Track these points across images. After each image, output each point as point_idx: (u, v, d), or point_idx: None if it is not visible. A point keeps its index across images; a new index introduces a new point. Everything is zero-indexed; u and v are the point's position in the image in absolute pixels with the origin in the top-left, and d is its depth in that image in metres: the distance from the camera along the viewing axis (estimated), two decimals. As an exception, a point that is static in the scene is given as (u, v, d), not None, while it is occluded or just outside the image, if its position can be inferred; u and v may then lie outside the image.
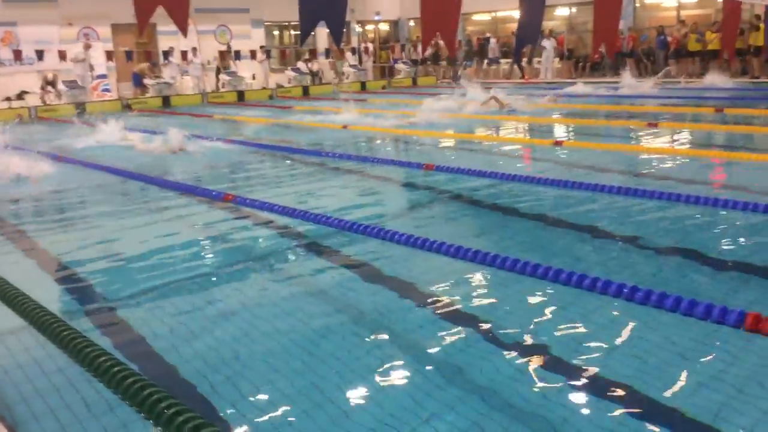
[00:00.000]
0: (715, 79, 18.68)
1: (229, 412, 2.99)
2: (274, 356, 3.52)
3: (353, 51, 28.90)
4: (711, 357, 3.36)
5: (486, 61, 28.30)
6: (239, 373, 3.35)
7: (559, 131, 12.12)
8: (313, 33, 27.42)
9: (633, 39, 24.10)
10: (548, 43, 25.37)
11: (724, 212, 5.88)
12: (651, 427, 2.76)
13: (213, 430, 2.44)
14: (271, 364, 3.44)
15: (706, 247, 5.04)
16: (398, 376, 3.29)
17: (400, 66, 28.20)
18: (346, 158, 9.60)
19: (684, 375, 3.18)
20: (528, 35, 22.73)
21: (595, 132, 11.46)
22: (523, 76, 25.92)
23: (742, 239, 5.27)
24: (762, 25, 20.16)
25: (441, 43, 25.29)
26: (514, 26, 28.37)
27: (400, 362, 3.42)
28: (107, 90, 23.36)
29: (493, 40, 28.04)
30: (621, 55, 24.31)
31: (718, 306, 3.66)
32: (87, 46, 22.13)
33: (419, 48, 28.48)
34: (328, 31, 28.14)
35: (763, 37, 20.22)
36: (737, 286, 4.30)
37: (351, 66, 27.44)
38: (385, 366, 3.36)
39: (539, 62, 26.53)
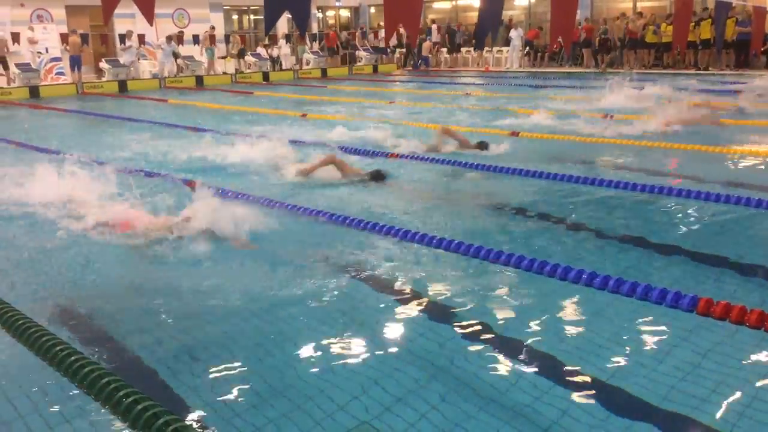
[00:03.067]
0: None
1: (186, 396, 2.97)
2: (231, 338, 3.51)
3: (314, 37, 28.69)
4: (667, 338, 3.46)
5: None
6: (197, 357, 3.34)
7: None
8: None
9: (588, 30, 24.38)
10: (515, 34, 25.57)
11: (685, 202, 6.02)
12: (600, 405, 2.85)
13: (172, 419, 2.43)
14: (227, 346, 3.43)
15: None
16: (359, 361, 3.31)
17: (361, 53, 28.10)
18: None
19: (637, 356, 3.27)
20: (488, 24, 22.81)
21: None
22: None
23: (694, 228, 5.41)
24: (709, 19, 20.64)
25: (402, 31, 25.32)
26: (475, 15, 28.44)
27: (360, 347, 3.45)
28: (61, 73, 22.79)
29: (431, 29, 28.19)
30: (577, 46, 24.62)
31: (672, 291, 3.78)
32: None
33: (380, 35, 28.46)
34: (288, 16, 27.91)
35: (710, 30, 20.71)
36: (690, 273, 4.42)
37: (312, 52, 27.24)
38: (346, 350, 3.38)
39: (498, 51, 26.74)
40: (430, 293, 4.12)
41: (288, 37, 27.45)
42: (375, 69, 27.04)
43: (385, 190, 6.83)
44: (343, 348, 3.43)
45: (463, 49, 28.00)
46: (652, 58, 22.91)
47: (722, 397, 2.91)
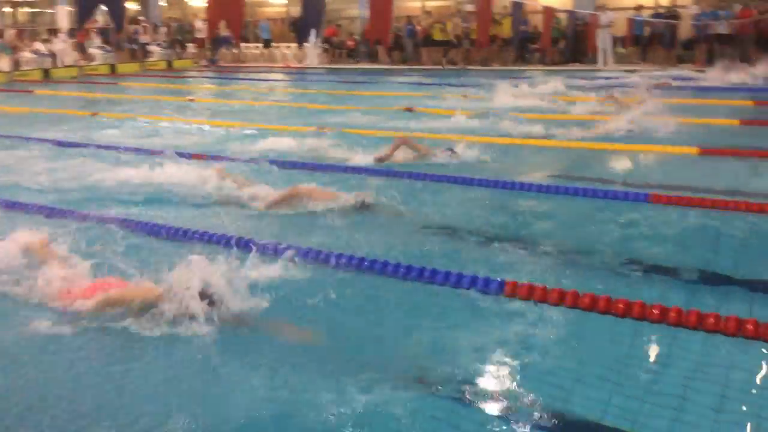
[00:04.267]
0: None
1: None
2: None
3: (100, 31, 26.87)
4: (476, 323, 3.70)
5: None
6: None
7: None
8: (53, 11, 25.08)
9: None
10: (314, 31, 25.72)
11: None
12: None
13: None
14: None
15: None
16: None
17: (153, 48, 26.81)
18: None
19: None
20: (312, 19, 23.55)
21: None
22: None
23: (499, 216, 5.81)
24: (497, 18, 22.43)
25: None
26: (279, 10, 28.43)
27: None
28: None
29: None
30: (374, 43, 25.43)
31: (482, 277, 4.05)
32: None
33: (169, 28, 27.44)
34: (68, 9, 25.91)
35: (510, 29, 22.53)
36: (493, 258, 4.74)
37: (98, 47, 25.51)
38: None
39: (298, 47, 26.82)
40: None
41: (71, 32, 25.47)
42: (169, 65, 25.96)
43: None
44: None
45: (275, 44, 27.73)
46: (441, 55, 24.23)
47: (519, 369, 3.20)
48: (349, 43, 26.44)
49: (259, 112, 12.74)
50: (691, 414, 2.80)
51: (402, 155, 7.58)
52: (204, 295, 3.50)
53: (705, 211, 5.58)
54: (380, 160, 7.43)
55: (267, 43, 27.88)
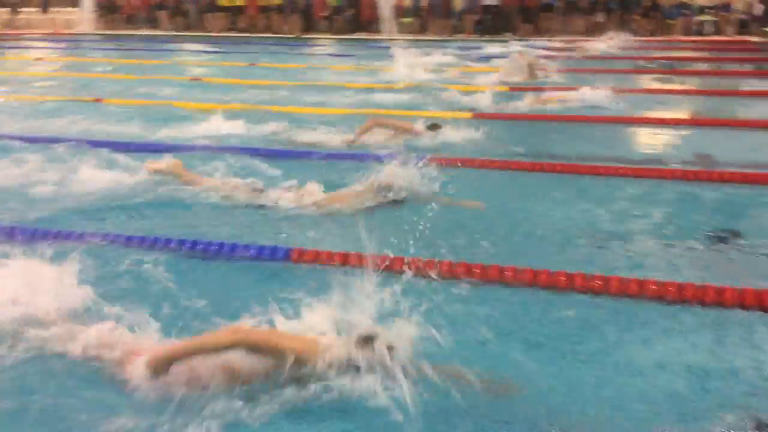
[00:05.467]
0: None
1: None
2: None
3: None
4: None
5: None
6: None
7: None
8: None
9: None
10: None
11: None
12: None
13: None
14: None
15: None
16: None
17: None
18: None
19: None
20: None
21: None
22: None
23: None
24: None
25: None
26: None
27: None
28: None
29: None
30: (153, 8, 24.20)
31: (269, 246, 4.13)
32: None
33: None
34: None
35: None
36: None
37: None
38: None
39: (68, 12, 24.74)
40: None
41: None
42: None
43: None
44: None
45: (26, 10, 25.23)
46: (229, 22, 23.59)
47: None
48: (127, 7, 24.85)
49: (25, 84, 11.68)
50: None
51: (374, 137, 7.02)
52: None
53: (476, 171, 6.11)
54: (351, 142, 6.93)
55: (45, 7, 25.36)
